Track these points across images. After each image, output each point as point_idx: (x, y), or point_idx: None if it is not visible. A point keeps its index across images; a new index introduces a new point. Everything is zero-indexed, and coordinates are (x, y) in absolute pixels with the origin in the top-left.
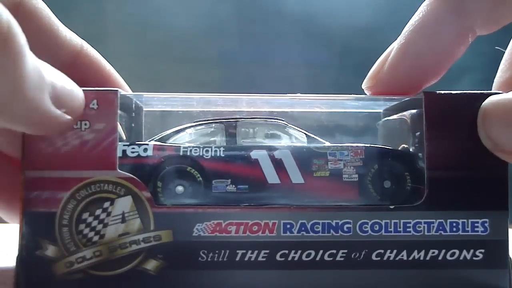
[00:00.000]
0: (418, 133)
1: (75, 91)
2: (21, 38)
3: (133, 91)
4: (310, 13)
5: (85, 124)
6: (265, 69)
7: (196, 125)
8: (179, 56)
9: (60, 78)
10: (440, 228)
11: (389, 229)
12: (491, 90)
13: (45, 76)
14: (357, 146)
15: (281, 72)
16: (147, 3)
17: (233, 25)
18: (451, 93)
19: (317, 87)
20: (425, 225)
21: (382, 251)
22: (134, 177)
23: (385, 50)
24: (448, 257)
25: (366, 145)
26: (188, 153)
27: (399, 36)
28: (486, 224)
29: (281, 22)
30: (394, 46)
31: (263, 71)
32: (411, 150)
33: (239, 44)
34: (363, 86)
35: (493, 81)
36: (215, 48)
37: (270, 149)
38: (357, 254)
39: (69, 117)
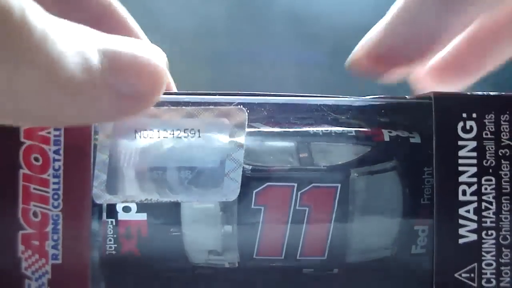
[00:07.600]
0: None
1: (152, 54)
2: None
3: None
4: (301, 13)
5: None
6: (256, 68)
7: None
8: (169, 55)
9: (115, 40)
10: None
11: None
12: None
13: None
14: None
15: (272, 71)
16: (138, 3)
17: (224, 25)
18: None
19: (308, 86)
20: None
21: None
22: None
23: None
24: None
25: None
26: None
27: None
28: None
29: (272, 21)
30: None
31: (254, 71)
32: None
33: (230, 44)
34: (355, 59)
35: (492, 83)
36: (206, 48)
37: None
38: None
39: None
